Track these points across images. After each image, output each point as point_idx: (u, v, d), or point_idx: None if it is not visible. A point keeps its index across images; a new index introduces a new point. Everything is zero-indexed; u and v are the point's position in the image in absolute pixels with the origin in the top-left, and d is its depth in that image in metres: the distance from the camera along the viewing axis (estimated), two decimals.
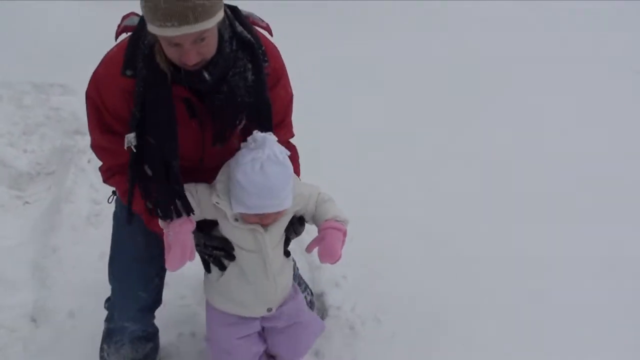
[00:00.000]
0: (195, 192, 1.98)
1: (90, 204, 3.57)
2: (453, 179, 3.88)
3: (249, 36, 1.88)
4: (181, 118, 1.89)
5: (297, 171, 2.12)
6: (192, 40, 1.67)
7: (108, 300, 2.50)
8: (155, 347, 2.52)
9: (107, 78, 1.88)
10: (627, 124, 4.67)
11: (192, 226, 1.95)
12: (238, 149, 1.94)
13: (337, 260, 1.99)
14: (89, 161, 3.89)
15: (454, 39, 6.07)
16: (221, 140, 1.97)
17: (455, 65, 5.51)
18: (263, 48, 1.94)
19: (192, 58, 1.71)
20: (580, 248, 3.28)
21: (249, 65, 1.89)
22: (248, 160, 1.84)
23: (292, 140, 2.25)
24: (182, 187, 1.92)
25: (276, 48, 2.04)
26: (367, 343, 2.69)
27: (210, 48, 1.76)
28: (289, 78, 2.12)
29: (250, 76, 1.90)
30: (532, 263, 3.17)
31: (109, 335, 2.45)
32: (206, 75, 1.79)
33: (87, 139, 3.75)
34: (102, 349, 2.48)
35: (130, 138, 1.85)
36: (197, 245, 1.97)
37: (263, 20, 2.02)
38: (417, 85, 5.12)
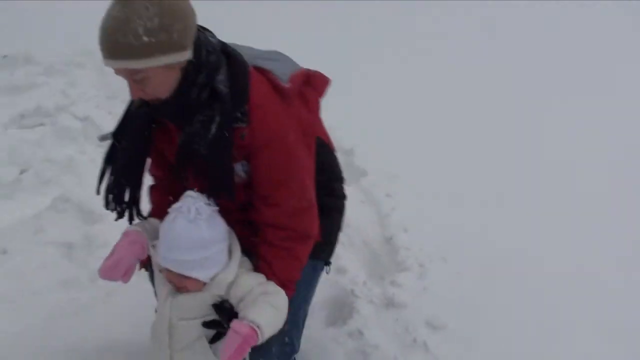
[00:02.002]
0: (147, 224, 1.98)
1: None
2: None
3: (225, 90, 1.73)
4: (164, 135, 1.92)
5: (282, 274, 1.89)
6: (128, 75, 1.64)
7: None
8: None
9: None
10: None
11: (138, 248, 1.90)
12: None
13: None
14: None
15: None
16: (177, 177, 1.91)
17: None
18: (245, 108, 1.75)
19: (133, 93, 1.69)
20: None
21: (217, 118, 1.73)
22: (171, 210, 1.79)
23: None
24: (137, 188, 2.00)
25: (279, 113, 1.81)
26: (435, 279, 2.97)
27: (154, 88, 1.67)
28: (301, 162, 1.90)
29: (213, 130, 1.73)
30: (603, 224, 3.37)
31: None
32: (159, 110, 1.77)
33: None
34: None
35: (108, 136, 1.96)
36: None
37: (291, 82, 1.82)
38: None
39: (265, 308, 1.76)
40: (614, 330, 2.64)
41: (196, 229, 1.75)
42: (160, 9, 1.56)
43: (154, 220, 1.99)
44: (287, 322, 1.90)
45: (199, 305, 1.86)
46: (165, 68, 1.63)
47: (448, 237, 3.20)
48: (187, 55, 1.65)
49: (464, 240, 3.19)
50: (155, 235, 1.89)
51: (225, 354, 1.68)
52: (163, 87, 1.68)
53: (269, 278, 1.87)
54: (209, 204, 1.80)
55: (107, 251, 2.66)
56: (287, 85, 1.80)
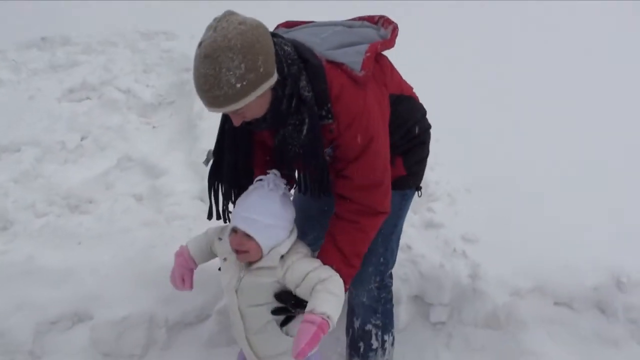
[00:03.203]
0: (206, 231, 2.33)
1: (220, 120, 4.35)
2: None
3: (309, 95, 1.91)
4: (266, 134, 2.16)
5: (346, 247, 2.10)
6: (231, 113, 1.88)
7: None
8: None
9: None
10: None
11: (183, 259, 2.29)
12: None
13: (298, 357, 1.86)
14: None
15: None
16: (277, 169, 2.15)
17: None
18: (329, 105, 1.94)
19: (235, 122, 1.91)
20: None
21: (306, 121, 1.94)
22: (253, 183, 2.12)
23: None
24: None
25: (357, 99, 1.97)
26: (463, 205, 3.47)
27: (252, 114, 1.90)
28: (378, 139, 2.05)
29: (305, 131, 1.95)
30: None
31: None
32: (257, 125, 1.99)
33: None
34: None
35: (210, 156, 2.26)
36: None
37: (364, 68, 1.96)
38: None
39: (327, 298, 1.93)
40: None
41: (270, 199, 2.04)
42: (243, 53, 1.73)
43: (211, 231, 2.31)
44: (380, 246, 2.34)
45: (262, 292, 2.07)
46: (259, 97, 1.84)
47: (469, 173, 3.70)
48: (274, 78, 1.85)
49: (483, 177, 3.69)
50: (205, 246, 2.29)
51: (301, 342, 1.84)
52: (260, 110, 1.91)
53: (330, 254, 2.10)
54: (286, 186, 2.08)
55: (173, 200, 3.18)
56: (360, 74, 1.95)
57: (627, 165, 3.70)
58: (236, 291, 2.11)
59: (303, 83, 1.91)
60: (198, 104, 4.46)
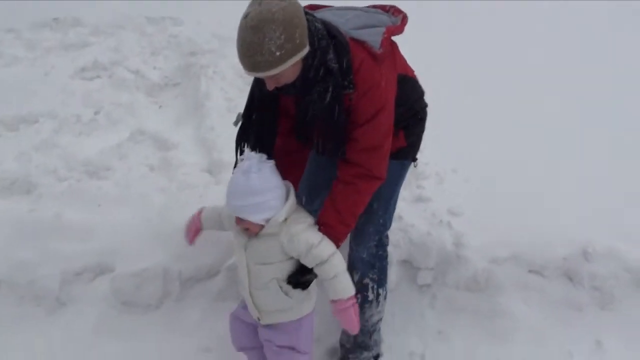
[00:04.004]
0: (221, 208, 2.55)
1: (225, 101, 4.65)
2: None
3: (335, 67, 2.17)
4: (290, 102, 2.44)
5: (344, 208, 2.40)
6: (267, 78, 2.13)
7: None
8: None
9: None
10: None
11: (193, 220, 2.68)
12: None
13: (356, 331, 2.39)
14: (214, 72, 4.96)
15: None
16: (297, 133, 2.51)
17: None
18: (351, 77, 2.20)
19: (269, 86, 2.18)
20: None
21: (330, 89, 2.19)
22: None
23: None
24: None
25: (374, 71, 2.24)
26: (450, 184, 3.81)
27: (285, 79, 2.15)
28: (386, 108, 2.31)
29: (328, 98, 2.20)
30: None
31: None
32: (287, 90, 2.24)
33: (205, 58, 4.86)
34: None
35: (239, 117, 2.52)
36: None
37: (382, 46, 2.24)
38: None
39: (340, 281, 2.31)
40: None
41: (247, 180, 2.20)
42: (284, 26, 1.98)
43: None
44: (380, 208, 2.67)
45: (269, 251, 2.33)
46: (293, 65, 2.09)
47: (455, 155, 4.04)
48: (307, 49, 2.10)
49: (468, 159, 4.03)
50: (217, 216, 2.57)
51: (352, 326, 2.35)
52: (292, 76, 2.16)
53: (328, 212, 2.39)
54: (263, 161, 2.26)
55: (185, 170, 3.49)
56: (379, 51, 2.23)
57: (597, 154, 4.05)
58: (245, 249, 2.37)
59: (330, 56, 2.16)
60: (205, 85, 4.79)
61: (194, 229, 2.69)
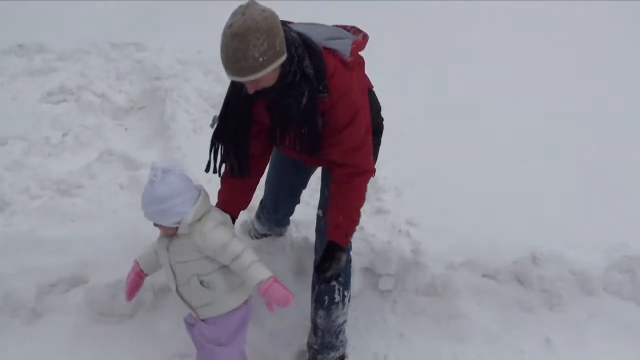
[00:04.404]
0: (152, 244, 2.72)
1: (190, 122, 4.81)
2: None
3: (311, 72, 2.36)
4: (261, 108, 2.58)
5: (344, 205, 2.66)
6: (249, 82, 2.27)
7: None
8: None
9: None
10: None
11: (134, 274, 2.78)
12: None
13: (291, 300, 2.42)
14: (178, 95, 5.12)
15: None
16: (272, 138, 2.64)
17: None
18: (325, 82, 2.39)
19: (250, 89, 2.34)
20: None
21: (306, 93, 2.38)
22: None
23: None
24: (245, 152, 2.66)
25: (346, 78, 2.46)
26: (407, 197, 4.05)
27: (265, 83, 2.31)
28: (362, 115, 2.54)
29: (304, 101, 2.39)
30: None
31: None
32: (265, 93, 2.39)
33: (169, 82, 5.03)
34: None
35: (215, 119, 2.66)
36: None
37: (351, 55, 2.48)
38: None
39: (256, 267, 2.45)
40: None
41: (152, 189, 2.37)
42: (266, 34, 2.15)
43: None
44: None
45: (187, 250, 2.49)
46: (273, 70, 2.26)
47: (413, 170, 4.28)
48: (285, 56, 2.28)
49: (424, 173, 4.28)
50: (153, 255, 2.70)
51: (283, 296, 2.41)
52: (271, 81, 2.32)
53: (333, 213, 2.66)
54: (168, 170, 2.38)
55: None
56: (349, 59, 2.47)
57: (542, 168, 4.36)
58: (168, 250, 2.54)
59: (306, 62, 2.36)
60: (170, 107, 4.95)
61: (133, 286, 2.81)
